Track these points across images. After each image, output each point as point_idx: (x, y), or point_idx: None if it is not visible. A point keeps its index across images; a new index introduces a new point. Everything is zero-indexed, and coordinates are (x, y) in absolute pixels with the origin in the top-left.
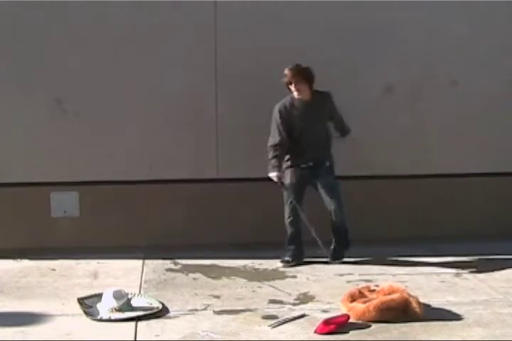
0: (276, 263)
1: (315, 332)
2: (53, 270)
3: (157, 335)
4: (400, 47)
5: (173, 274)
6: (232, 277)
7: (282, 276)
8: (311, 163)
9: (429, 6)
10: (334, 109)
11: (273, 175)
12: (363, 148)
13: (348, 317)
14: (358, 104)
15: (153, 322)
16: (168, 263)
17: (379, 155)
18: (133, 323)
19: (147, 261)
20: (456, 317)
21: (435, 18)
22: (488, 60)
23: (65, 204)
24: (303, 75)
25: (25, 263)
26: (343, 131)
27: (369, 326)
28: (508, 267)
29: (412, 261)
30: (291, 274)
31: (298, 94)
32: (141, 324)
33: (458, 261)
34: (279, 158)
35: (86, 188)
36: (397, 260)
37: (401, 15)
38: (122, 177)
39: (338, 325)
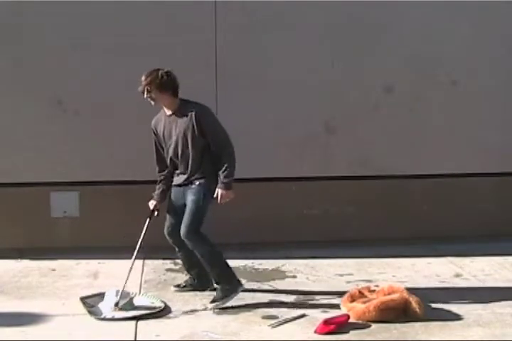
0: (276, 263)
1: (315, 332)
2: (53, 270)
3: (157, 335)
4: (400, 47)
5: (173, 274)
6: None
7: (282, 276)
8: (178, 183)
9: (429, 6)
10: (206, 126)
11: (150, 202)
12: (363, 147)
13: (348, 317)
14: (358, 104)
15: (153, 322)
16: (168, 263)
17: (379, 155)
18: (133, 323)
19: (147, 261)
20: (456, 317)
21: (435, 18)
22: (488, 60)
23: (65, 204)
24: (155, 82)
25: (26, 263)
26: (221, 155)
27: (369, 326)
28: (508, 267)
29: (412, 261)
30: (291, 274)
31: (155, 105)
32: (141, 324)
33: (458, 261)
34: (160, 183)
35: (86, 188)
36: (397, 260)
37: (401, 15)
38: (122, 177)
39: (338, 325)
